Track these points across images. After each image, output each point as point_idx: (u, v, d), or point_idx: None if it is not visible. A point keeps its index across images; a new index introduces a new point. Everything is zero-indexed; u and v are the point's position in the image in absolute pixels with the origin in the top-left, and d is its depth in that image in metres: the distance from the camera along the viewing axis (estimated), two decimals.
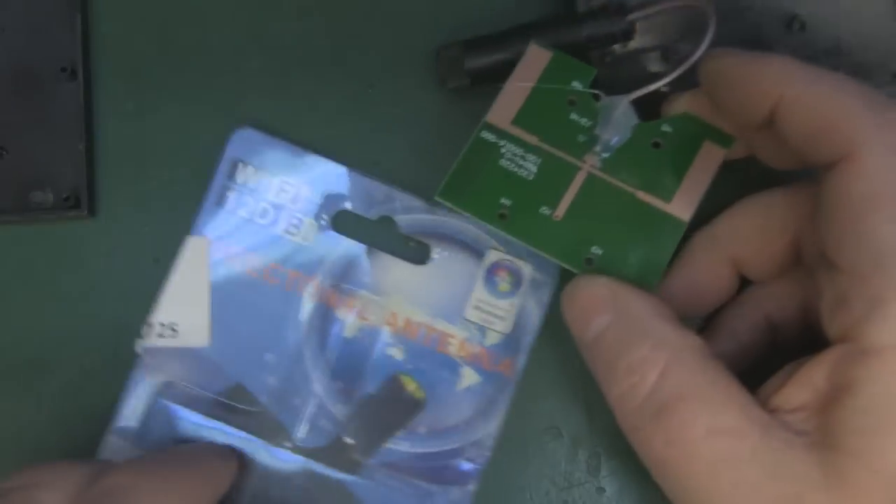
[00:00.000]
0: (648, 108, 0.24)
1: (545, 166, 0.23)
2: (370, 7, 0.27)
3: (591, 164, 0.23)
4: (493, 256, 0.25)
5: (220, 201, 0.25)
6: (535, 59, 0.23)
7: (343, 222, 0.26)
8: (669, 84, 0.23)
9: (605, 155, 0.23)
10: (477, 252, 0.25)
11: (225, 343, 0.25)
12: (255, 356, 0.25)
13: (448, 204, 0.23)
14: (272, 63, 0.27)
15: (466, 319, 0.25)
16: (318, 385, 0.25)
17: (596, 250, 0.22)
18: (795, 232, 0.23)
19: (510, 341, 0.25)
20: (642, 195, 0.23)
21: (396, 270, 0.25)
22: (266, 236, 0.25)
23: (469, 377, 0.25)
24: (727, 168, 0.23)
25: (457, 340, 0.25)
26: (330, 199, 0.25)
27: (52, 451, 0.25)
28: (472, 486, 0.24)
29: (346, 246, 0.25)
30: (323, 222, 0.25)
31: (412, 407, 0.25)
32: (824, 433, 0.18)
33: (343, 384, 0.25)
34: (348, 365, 0.25)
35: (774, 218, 0.23)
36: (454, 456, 0.25)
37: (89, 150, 0.26)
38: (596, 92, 0.23)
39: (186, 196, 0.26)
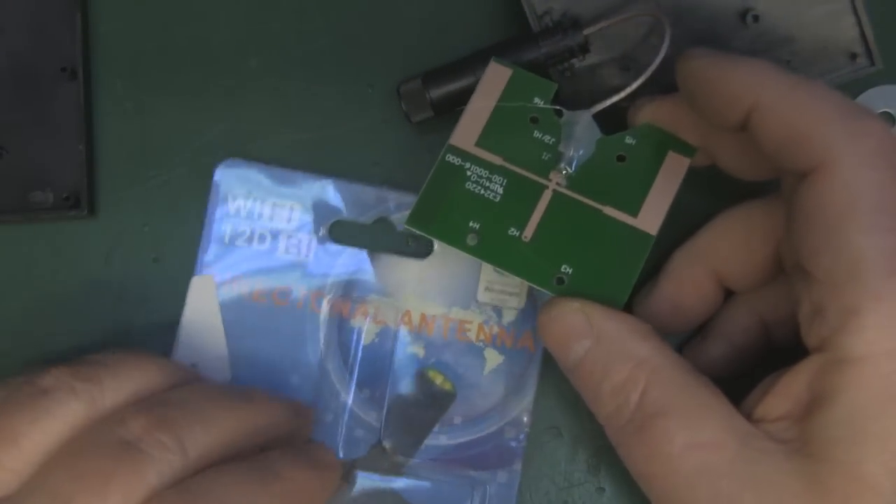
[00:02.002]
0: (612, 122, 0.24)
1: (511, 187, 0.23)
2: (370, 7, 0.27)
3: (556, 181, 0.23)
4: None
5: (218, 236, 0.25)
6: (496, 76, 0.23)
7: (340, 232, 0.26)
8: (630, 95, 0.23)
9: (571, 171, 0.23)
10: None
11: (247, 373, 0.25)
12: (280, 380, 0.25)
13: (417, 231, 0.22)
14: (272, 63, 0.27)
15: (480, 302, 0.25)
16: (347, 397, 0.25)
17: (566, 269, 0.22)
18: (777, 242, 0.23)
19: (527, 315, 0.25)
20: (609, 210, 0.22)
21: (402, 269, 0.25)
22: (268, 260, 0.25)
23: (494, 359, 0.25)
24: (700, 182, 0.23)
25: (474, 325, 0.25)
26: (323, 213, 0.26)
27: None
28: (518, 465, 0.25)
29: (349, 255, 0.25)
30: (321, 236, 0.25)
31: (444, 400, 0.25)
32: (804, 442, 0.18)
33: (371, 391, 0.25)
34: (372, 371, 0.25)
35: (755, 229, 0.23)
36: (495, 439, 0.25)
37: (89, 150, 0.26)
38: (557, 108, 0.23)
39: (186, 196, 0.26)
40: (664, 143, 0.23)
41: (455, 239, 0.22)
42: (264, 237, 0.25)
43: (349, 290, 0.25)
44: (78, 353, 0.26)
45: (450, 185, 0.23)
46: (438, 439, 0.25)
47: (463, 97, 0.24)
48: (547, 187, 0.23)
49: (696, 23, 0.25)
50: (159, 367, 0.22)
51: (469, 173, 0.23)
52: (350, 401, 0.25)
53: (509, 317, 0.25)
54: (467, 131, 0.23)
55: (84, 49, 0.27)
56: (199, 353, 0.25)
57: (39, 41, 0.26)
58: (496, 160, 0.23)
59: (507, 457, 0.25)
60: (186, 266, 0.26)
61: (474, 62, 0.24)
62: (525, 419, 0.25)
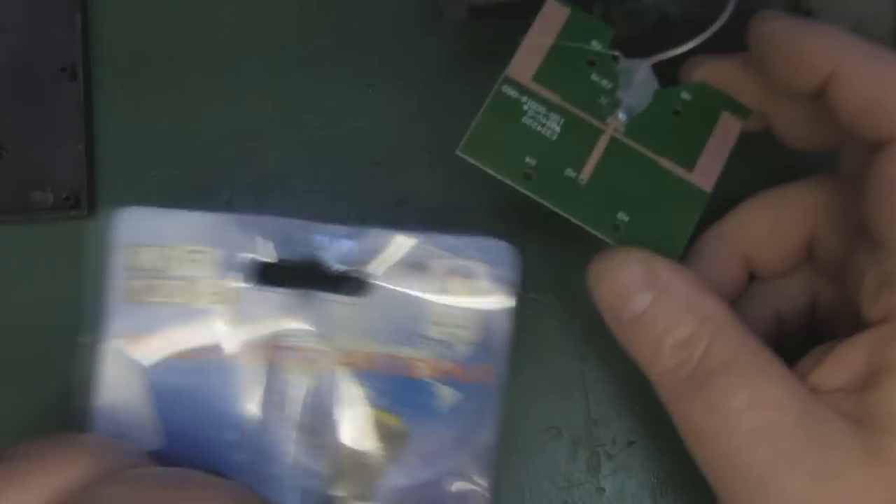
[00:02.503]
0: (665, 69, 0.23)
1: (568, 127, 0.22)
2: (370, 7, 0.27)
3: (613, 126, 0.22)
4: (439, 266, 0.24)
5: (128, 295, 0.24)
6: (553, 14, 0.23)
7: (269, 275, 0.24)
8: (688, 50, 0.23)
9: (627, 119, 0.22)
10: (419, 266, 0.24)
11: (180, 437, 0.23)
12: (216, 438, 0.23)
13: (472, 159, 0.22)
14: (272, 63, 0.27)
15: (429, 338, 0.24)
16: (292, 447, 0.23)
17: (622, 217, 0.22)
18: (810, 229, 0.23)
19: (482, 348, 0.24)
20: (665, 162, 0.22)
21: (337, 308, 0.24)
22: (190, 314, 0.24)
23: (448, 395, 0.24)
24: (737, 156, 0.23)
25: (424, 362, 0.24)
26: (244, 255, 0.24)
27: None
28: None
29: (277, 298, 0.24)
30: (244, 281, 0.24)
31: (396, 440, 0.24)
32: (863, 413, 0.18)
33: (316, 439, 0.23)
34: (316, 417, 0.24)
35: (788, 215, 0.23)
36: (454, 475, 0.24)
37: (89, 150, 0.26)
38: (615, 53, 0.23)
39: (186, 196, 0.26)
40: (719, 102, 0.23)
41: (511, 172, 0.22)
42: (183, 289, 0.24)
43: (283, 337, 0.24)
44: (79, 352, 0.26)
45: (506, 117, 0.22)
46: (396, 480, 0.23)
47: (502, 11, 0.23)
48: (604, 132, 0.22)
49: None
50: (86, 455, 0.20)
51: (526, 107, 0.22)
52: (295, 451, 0.23)
53: (463, 351, 0.24)
54: (524, 65, 0.22)
55: (84, 49, 0.27)
56: (124, 425, 0.23)
57: (39, 41, 0.26)
58: (554, 98, 0.22)
59: (471, 498, 0.24)
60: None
61: None
62: (489, 457, 0.24)
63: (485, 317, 0.24)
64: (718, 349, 0.20)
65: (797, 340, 0.24)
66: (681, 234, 0.22)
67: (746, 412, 0.19)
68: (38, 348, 0.26)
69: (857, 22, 0.24)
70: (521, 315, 0.25)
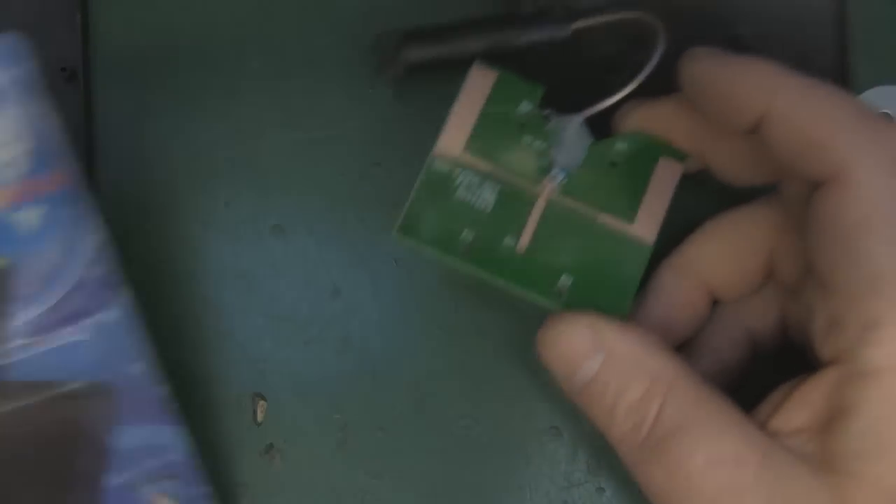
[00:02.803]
0: (599, 119, 0.23)
1: (503, 195, 0.22)
2: (371, 7, 0.27)
3: (550, 188, 0.22)
4: None
5: None
6: (480, 80, 0.23)
7: None
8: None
9: (563, 178, 0.22)
10: None
11: None
12: None
13: (409, 241, 0.21)
14: (272, 63, 0.27)
15: None
16: None
17: (565, 280, 0.21)
18: (768, 250, 0.22)
19: (41, 156, 0.22)
20: (605, 218, 0.22)
21: None
22: None
23: (31, 217, 0.22)
24: (685, 189, 0.23)
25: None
26: None
27: None
28: (123, 297, 0.23)
29: None
30: None
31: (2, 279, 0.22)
32: (826, 456, 0.18)
33: None
34: None
35: (746, 238, 0.23)
36: (85, 285, 0.22)
37: (89, 151, 0.26)
38: (546, 112, 0.23)
39: (186, 196, 0.26)
40: (655, 148, 0.22)
41: (449, 248, 0.21)
42: None
43: None
44: None
45: (439, 194, 0.22)
46: (25, 314, 0.22)
47: (437, 65, 0.23)
48: (540, 195, 0.22)
49: (689, 37, 0.23)
50: None
51: (459, 181, 0.22)
52: None
53: (23, 167, 0.21)
54: (454, 137, 0.22)
55: (84, 49, 0.27)
56: None
57: (39, 41, 0.26)
58: (487, 167, 0.22)
59: (107, 293, 0.22)
60: (186, 268, 0.26)
61: (457, 33, 0.23)
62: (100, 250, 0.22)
63: (25, 123, 0.22)
64: (671, 410, 0.19)
65: (771, 354, 0.24)
66: (626, 290, 0.21)
67: (705, 472, 0.19)
68: None
69: (799, 53, 0.24)
70: (521, 315, 0.25)
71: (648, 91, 0.22)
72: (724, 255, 0.23)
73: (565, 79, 0.24)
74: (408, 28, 0.24)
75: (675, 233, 0.24)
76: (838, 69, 0.24)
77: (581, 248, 0.22)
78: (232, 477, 0.25)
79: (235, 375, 0.26)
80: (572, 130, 0.22)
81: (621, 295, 0.21)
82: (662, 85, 0.22)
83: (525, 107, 0.22)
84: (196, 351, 0.26)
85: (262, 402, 0.26)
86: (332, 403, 0.25)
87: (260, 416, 0.26)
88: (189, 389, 0.26)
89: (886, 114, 0.26)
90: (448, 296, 0.26)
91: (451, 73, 0.23)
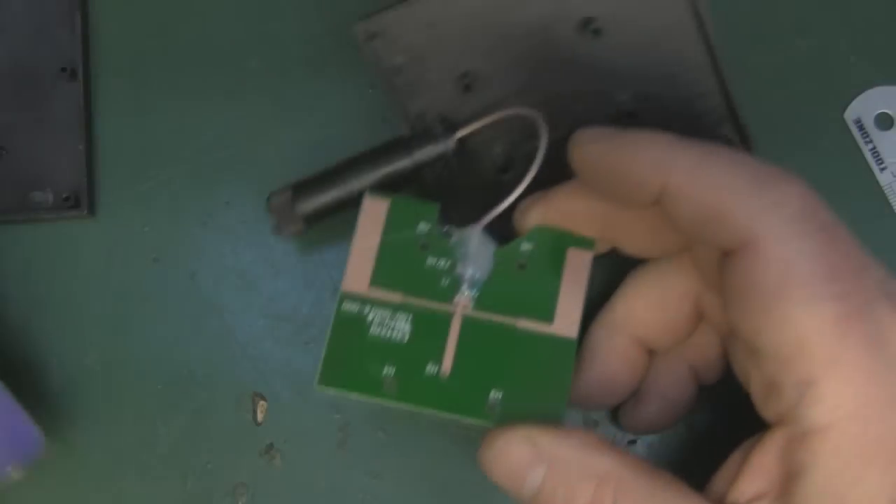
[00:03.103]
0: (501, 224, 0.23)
1: (418, 322, 0.21)
2: (370, 7, 0.27)
3: (462, 305, 0.22)
4: None
5: None
6: (374, 210, 0.22)
7: None
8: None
9: (474, 293, 0.22)
10: None
11: None
12: None
13: (331, 391, 0.21)
14: (272, 63, 0.27)
15: None
16: None
17: (496, 395, 0.21)
18: (695, 296, 0.22)
19: None
20: (523, 323, 0.21)
21: None
22: None
23: None
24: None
25: None
26: None
27: (45, 453, 0.25)
28: None
29: None
30: None
31: None
32: None
33: None
34: None
35: (670, 288, 0.22)
36: None
37: (89, 150, 0.26)
38: (445, 229, 0.22)
39: (186, 196, 0.26)
40: (561, 241, 0.22)
41: (371, 389, 0.21)
42: None
43: None
44: (77, 353, 0.26)
45: (353, 335, 0.21)
46: None
47: (334, 209, 0.23)
48: (454, 314, 0.22)
49: (575, 111, 0.24)
50: None
51: (370, 318, 0.21)
52: None
53: None
54: (358, 273, 0.22)
55: (84, 49, 0.27)
56: None
57: (39, 41, 0.26)
58: (396, 297, 0.22)
59: None
60: (186, 268, 0.26)
61: (346, 172, 0.23)
62: None
63: None
64: None
65: (714, 382, 0.24)
66: (558, 391, 0.21)
67: None
68: (36, 348, 0.26)
69: (686, 99, 0.24)
70: None
71: (549, 179, 0.22)
72: (651, 308, 0.23)
73: (463, 189, 0.24)
74: (296, 181, 0.24)
75: (603, 284, 0.24)
76: (725, 108, 0.24)
77: (505, 359, 0.21)
78: (232, 477, 0.25)
79: (235, 375, 0.26)
80: (475, 242, 0.22)
81: (555, 397, 0.21)
82: (560, 171, 0.22)
83: (423, 227, 0.22)
84: (196, 351, 0.26)
85: (262, 402, 0.26)
86: (332, 403, 0.25)
87: (260, 416, 0.26)
88: (189, 389, 0.26)
89: (886, 113, 0.26)
90: None
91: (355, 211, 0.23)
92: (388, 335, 0.21)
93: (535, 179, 0.22)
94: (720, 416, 0.25)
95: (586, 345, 0.23)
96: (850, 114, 0.26)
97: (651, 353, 0.24)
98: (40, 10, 0.26)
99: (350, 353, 0.21)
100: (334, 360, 0.21)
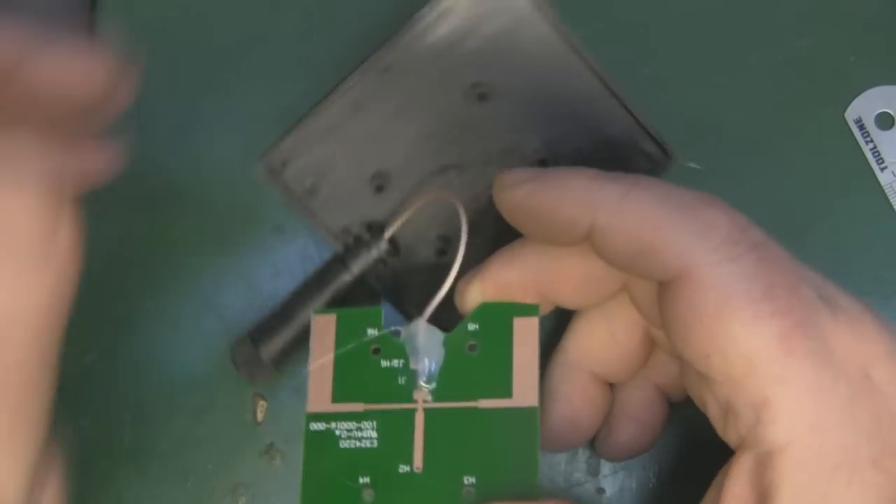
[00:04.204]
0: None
1: (383, 427, 0.22)
2: (371, 7, 0.27)
3: (422, 399, 0.22)
4: None
5: None
6: (323, 326, 0.23)
7: None
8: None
9: (431, 385, 0.22)
10: None
11: None
12: None
13: None
14: (275, 64, 0.27)
15: None
16: None
17: (469, 480, 0.21)
18: (643, 326, 0.22)
19: None
20: (484, 403, 0.22)
21: None
22: None
23: None
24: None
25: None
26: None
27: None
28: None
29: None
30: None
31: None
32: None
33: None
34: None
35: (617, 321, 0.22)
36: None
37: None
38: (393, 329, 0.23)
39: (186, 196, 0.26)
40: (505, 313, 0.22)
41: (354, 502, 0.22)
42: None
43: None
44: (77, 353, 0.26)
45: (325, 453, 0.22)
46: None
47: (299, 343, 0.24)
48: (416, 409, 0.22)
49: (490, 174, 0.24)
50: None
51: (338, 433, 0.22)
52: None
53: None
54: (319, 392, 0.22)
55: None
56: None
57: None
58: (358, 408, 0.22)
59: None
60: (186, 267, 0.26)
61: (297, 306, 0.24)
62: None
63: None
64: None
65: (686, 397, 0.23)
66: (529, 459, 0.21)
67: None
68: None
69: (595, 129, 0.24)
70: None
71: (493, 245, 0.23)
72: (602, 343, 0.23)
73: (409, 282, 0.25)
74: (250, 328, 0.24)
75: (554, 321, 0.24)
76: (636, 126, 0.24)
77: (473, 441, 0.22)
78: (232, 477, 0.25)
79: (235, 375, 0.26)
80: (421, 335, 0.22)
81: (528, 465, 0.21)
82: (499, 234, 0.22)
83: (371, 332, 0.23)
84: (196, 351, 0.26)
85: (262, 402, 0.26)
86: None
87: (260, 416, 0.26)
88: (189, 389, 0.26)
89: (887, 113, 0.26)
90: None
91: None
92: (358, 445, 0.22)
93: (480, 251, 0.22)
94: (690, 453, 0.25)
95: (546, 388, 0.24)
96: (851, 114, 0.26)
97: (611, 385, 0.24)
98: (43, 10, 0.27)
99: (325, 473, 0.22)
100: (313, 485, 0.22)
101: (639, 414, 0.24)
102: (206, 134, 0.27)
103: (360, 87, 0.24)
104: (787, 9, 0.27)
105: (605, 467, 0.25)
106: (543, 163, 0.24)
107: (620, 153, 0.24)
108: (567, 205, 0.19)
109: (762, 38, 0.27)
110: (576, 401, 0.23)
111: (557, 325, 0.25)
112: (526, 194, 0.20)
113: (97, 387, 0.26)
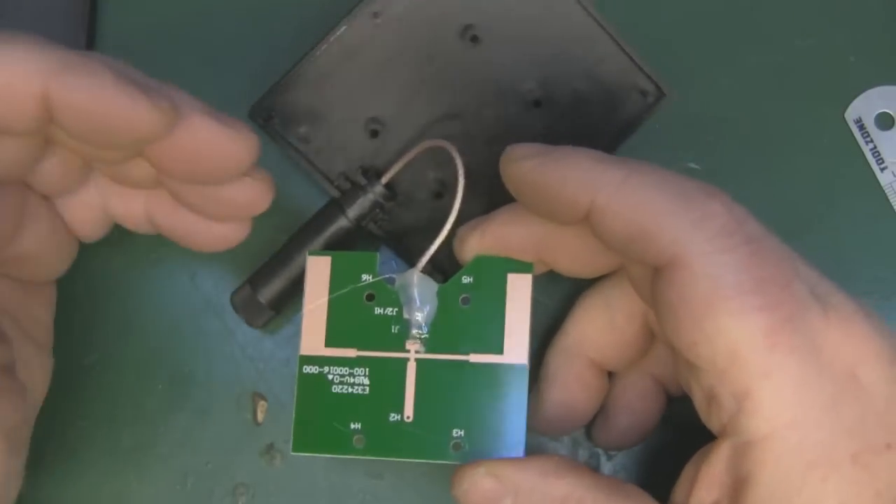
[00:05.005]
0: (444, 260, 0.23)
1: (375, 374, 0.22)
2: None
3: (415, 349, 0.22)
4: None
5: None
6: (318, 268, 0.23)
7: None
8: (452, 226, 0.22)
9: (424, 334, 0.22)
10: None
11: None
12: None
13: (307, 454, 0.22)
14: (273, 63, 0.27)
15: None
16: None
17: (458, 433, 0.22)
18: (642, 315, 0.22)
19: None
20: (475, 357, 0.22)
21: None
22: None
23: None
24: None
25: None
26: None
27: (41, 451, 0.25)
28: None
29: None
30: None
31: None
32: None
33: None
34: None
35: (617, 310, 0.23)
36: None
37: None
38: (387, 276, 0.23)
39: None
40: (500, 268, 0.22)
41: (342, 447, 0.22)
42: None
43: None
44: (77, 352, 0.26)
45: (317, 397, 0.22)
46: None
47: (297, 287, 0.23)
48: (408, 359, 0.22)
49: (487, 117, 0.24)
50: None
51: (331, 377, 0.22)
52: None
53: None
54: (313, 335, 0.22)
55: (88, 49, 0.27)
56: None
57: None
58: (351, 353, 0.22)
59: None
60: (187, 267, 0.26)
61: (294, 250, 0.24)
62: None
63: None
64: None
65: (684, 392, 0.24)
66: (517, 417, 0.22)
67: None
68: None
69: (589, 69, 0.24)
70: None
71: (486, 194, 0.23)
72: (601, 330, 0.23)
73: (409, 226, 0.25)
74: (250, 274, 0.24)
75: (558, 308, 0.24)
76: (631, 64, 0.24)
77: (462, 395, 0.22)
78: (232, 477, 0.25)
79: (235, 375, 0.26)
80: (415, 284, 0.22)
81: (515, 424, 0.22)
82: (492, 182, 0.22)
83: (365, 278, 0.23)
84: (196, 351, 0.26)
85: (262, 402, 0.26)
86: None
87: (260, 416, 0.26)
88: (189, 389, 0.26)
89: (887, 113, 0.26)
90: None
91: None
92: (350, 391, 0.22)
93: (475, 197, 0.23)
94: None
95: (544, 373, 0.24)
96: (851, 114, 0.26)
97: (609, 374, 0.24)
98: (43, 9, 0.27)
99: (317, 416, 0.22)
100: (304, 425, 0.22)
101: (635, 404, 0.24)
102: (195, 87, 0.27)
103: (351, 34, 0.24)
104: (787, 9, 0.27)
105: (605, 467, 0.25)
106: (538, 104, 0.24)
107: (616, 92, 0.24)
108: (569, 183, 0.19)
109: (762, 38, 0.27)
110: (573, 386, 0.23)
111: (560, 312, 0.25)
112: (531, 169, 0.20)
113: (97, 387, 0.26)
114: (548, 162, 0.20)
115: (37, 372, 0.23)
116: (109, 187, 0.23)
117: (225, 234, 0.21)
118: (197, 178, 0.20)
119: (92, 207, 0.23)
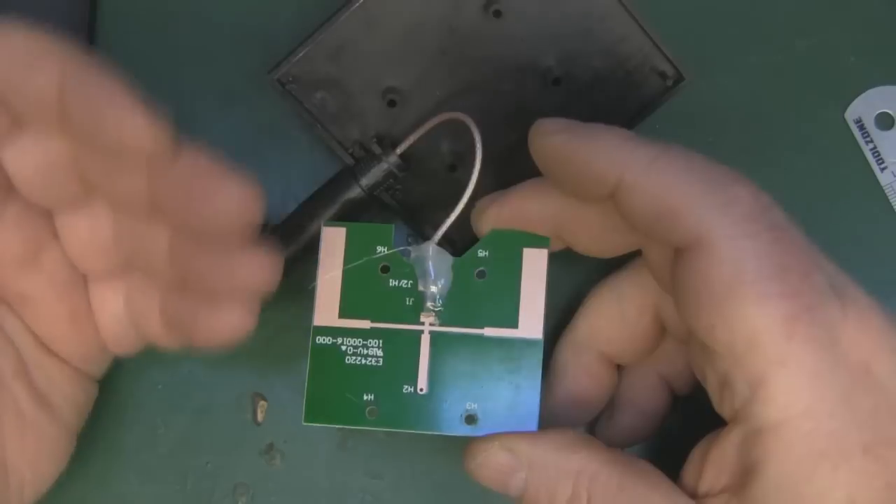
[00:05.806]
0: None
1: (389, 346, 0.22)
2: None
3: (429, 322, 0.22)
4: None
5: None
6: (333, 240, 0.23)
7: None
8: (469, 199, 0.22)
9: (438, 307, 0.22)
10: None
11: None
12: None
13: (318, 424, 0.22)
14: (273, 63, 0.27)
15: None
16: None
17: (471, 405, 0.22)
18: (654, 309, 0.22)
19: None
20: (490, 331, 0.22)
21: None
22: None
23: None
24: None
25: None
26: None
27: None
28: None
29: None
30: None
31: None
32: None
33: None
34: None
35: (628, 303, 0.23)
36: None
37: None
38: (402, 249, 0.23)
39: None
40: (516, 242, 0.22)
41: (355, 418, 0.22)
42: None
43: None
44: None
45: (330, 368, 0.22)
46: None
47: (302, 255, 0.23)
48: (423, 332, 0.22)
49: (505, 92, 0.24)
50: None
51: (344, 348, 0.22)
52: None
53: None
54: (327, 306, 0.22)
55: (88, 48, 0.27)
56: None
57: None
58: (364, 325, 0.22)
59: None
60: None
61: (305, 216, 0.24)
62: None
63: None
64: (599, 499, 0.20)
65: (691, 392, 0.24)
66: (531, 391, 0.22)
67: None
68: None
69: (609, 47, 0.24)
70: None
71: (503, 168, 0.23)
72: (612, 324, 0.23)
73: (423, 198, 0.25)
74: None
75: (570, 297, 0.24)
76: (651, 45, 0.24)
77: (477, 368, 0.22)
78: (232, 477, 0.25)
79: (235, 375, 0.26)
80: (431, 257, 0.22)
81: (529, 398, 0.22)
82: (509, 155, 0.22)
83: (381, 250, 0.23)
84: (196, 350, 0.26)
85: (262, 402, 0.26)
86: None
87: (260, 416, 0.26)
88: (189, 389, 0.26)
89: (887, 113, 0.26)
90: None
91: None
92: (363, 363, 0.22)
93: (490, 172, 0.22)
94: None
95: (554, 364, 0.24)
96: (851, 114, 0.26)
97: (619, 367, 0.24)
98: (43, 9, 0.27)
99: (330, 386, 0.22)
100: (316, 396, 0.22)
101: (641, 400, 0.24)
102: (205, 133, 0.27)
103: (374, 3, 0.24)
104: (787, 9, 0.27)
105: None
106: (557, 81, 0.24)
107: (634, 72, 0.24)
108: (598, 159, 0.19)
109: (762, 38, 0.27)
110: (582, 378, 0.24)
111: (571, 305, 0.25)
112: (560, 143, 0.20)
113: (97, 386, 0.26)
114: (577, 137, 0.20)
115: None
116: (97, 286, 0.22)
117: (231, 321, 0.20)
118: (198, 214, 0.19)
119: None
